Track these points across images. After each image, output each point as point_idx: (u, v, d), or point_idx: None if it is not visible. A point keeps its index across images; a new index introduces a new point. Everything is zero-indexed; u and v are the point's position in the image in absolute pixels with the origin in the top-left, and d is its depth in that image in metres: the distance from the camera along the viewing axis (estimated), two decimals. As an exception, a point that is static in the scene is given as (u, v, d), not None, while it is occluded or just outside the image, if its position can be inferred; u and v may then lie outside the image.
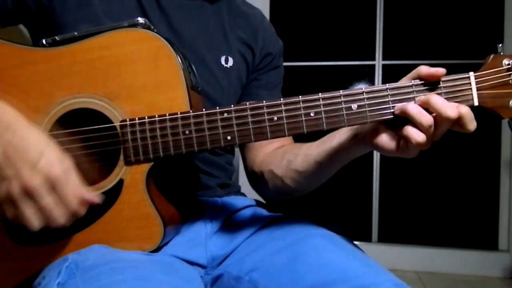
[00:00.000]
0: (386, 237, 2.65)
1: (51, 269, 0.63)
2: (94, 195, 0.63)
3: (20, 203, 0.58)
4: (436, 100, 0.60)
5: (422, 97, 0.62)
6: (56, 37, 0.69)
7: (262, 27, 0.91)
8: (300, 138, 0.89)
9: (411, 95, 0.63)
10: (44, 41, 0.70)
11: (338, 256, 0.66)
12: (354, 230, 2.68)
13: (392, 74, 2.61)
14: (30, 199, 0.58)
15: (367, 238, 2.65)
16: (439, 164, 2.57)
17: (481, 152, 2.56)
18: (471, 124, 0.60)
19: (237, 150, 1.05)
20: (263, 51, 0.90)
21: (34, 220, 0.59)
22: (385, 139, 0.65)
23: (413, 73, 0.64)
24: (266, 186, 0.85)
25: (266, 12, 2.67)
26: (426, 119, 0.60)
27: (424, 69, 0.62)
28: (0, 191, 0.59)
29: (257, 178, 0.88)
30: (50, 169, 0.59)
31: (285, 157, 0.81)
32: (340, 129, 0.71)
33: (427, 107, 0.61)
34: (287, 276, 0.65)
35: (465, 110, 0.60)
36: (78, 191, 0.61)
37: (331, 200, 2.67)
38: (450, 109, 0.59)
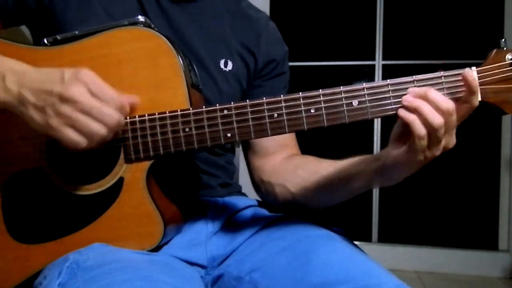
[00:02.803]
0: (386, 237, 2.65)
1: (52, 269, 0.63)
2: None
3: (73, 116, 0.60)
4: (434, 94, 0.60)
5: (417, 89, 0.61)
6: (57, 36, 0.70)
7: (266, 32, 0.89)
8: (305, 145, 0.88)
9: None
10: (45, 40, 0.70)
11: (339, 257, 0.66)
12: (354, 230, 2.68)
13: (392, 74, 2.57)
14: (78, 108, 0.60)
15: (367, 238, 2.65)
16: (439, 163, 2.56)
17: (481, 151, 2.56)
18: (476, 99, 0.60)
19: (237, 150, 1.04)
20: (266, 57, 0.88)
21: (95, 126, 0.60)
22: (396, 147, 0.64)
23: None
24: (276, 198, 0.83)
25: (266, 12, 2.67)
26: (437, 117, 0.59)
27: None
28: (51, 120, 0.60)
29: (265, 188, 0.86)
30: (77, 75, 0.60)
31: (298, 173, 0.80)
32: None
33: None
34: (287, 276, 0.65)
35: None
36: (108, 88, 0.62)
37: (331, 200, 2.67)
38: (447, 101, 0.59)
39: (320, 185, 0.75)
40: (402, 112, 0.61)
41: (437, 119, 0.59)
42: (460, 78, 0.62)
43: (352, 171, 0.71)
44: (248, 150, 0.89)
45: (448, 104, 0.59)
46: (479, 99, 0.61)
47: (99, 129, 0.60)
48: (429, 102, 0.59)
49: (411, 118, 0.60)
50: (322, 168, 0.77)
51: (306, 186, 0.77)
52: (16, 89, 0.62)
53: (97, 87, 0.61)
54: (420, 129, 0.59)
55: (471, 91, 0.60)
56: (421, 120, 0.59)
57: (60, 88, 0.60)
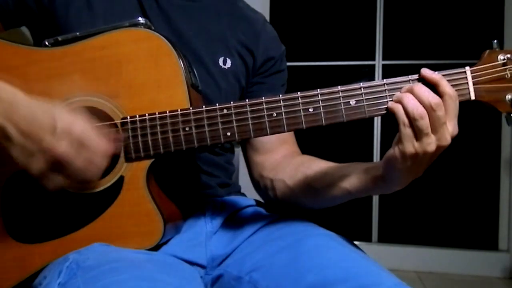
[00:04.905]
0: (386, 237, 2.65)
1: (52, 269, 0.63)
2: (113, 132, 0.64)
3: (56, 173, 0.59)
4: (418, 87, 0.61)
5: (407, 86, 0.63)
6: (58, 38, 0.70)
7: (264, 32, 0.91)
8: (306, 145, 0.89)
9: None
10: (46, 42, 0.70)
11: (338, 256, 0.66)
12: (354, 230, 2.68)
13: (392, 74, 2.57)
14: (63, 166, 0.59)
15: (367, 238, 2.65)
16: (439, 164, 2.56)
17: (481, 151, 2.56)
18: (447, 87, 0.62)
19: (237, 150, 1.05)
20: (264, 55, 0.89)
21: (74, 183, 0.61)
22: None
23: None
24: (274, 194, 0.84)
25: (266, 12, 2.67)
26: (416, 104, 0.61)
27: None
28: (34, 167, 0.59)
29: (264, 184, 0.86)
30: (70, 129, 0.59)
31: (299, 170, 0.80)
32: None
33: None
34: (287, 276, 0.65)
35: (437, 75, 0.62)
36: (101, 142, 0.62)
37: (331, 200, 2.67)
38: (431, 94, 0.61)
39: (320, 183, 0.76)
40: (389, 104, 0.63)
41: (416, 108, 0.60)
42: (454, 77, 0.63)
43: (353, 172, 0.71)
44: (247, 147, 0.90)
45: (429, 98, 0.60)
46: (451, 89, 0.62)
47: (76, 185, 0.63)
48: (413, 95, 0.61)
49: (395, 106, 0.62)
50: (323, 166, 0.77)
51: (307, 183, 0.77)
52: (0, 120, 0.57)
53: (88, 143, 0.60)
54: (402, 115, 0.61)
55: (436, 83, 0.62)
56: (403, 108, 0.61)
57: (49, 142, 0.58)
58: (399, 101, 0.62)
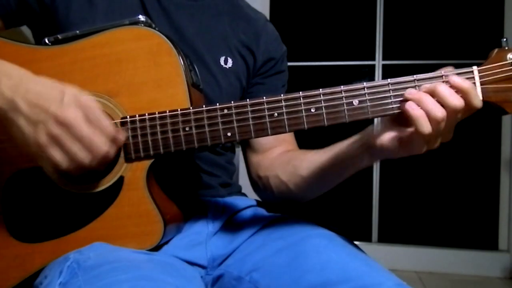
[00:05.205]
0: (386, 237, 2.65)
1: (52, 268, 0.63)
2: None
3: (63, 139, 0.59)
4: (443, 89, 0.59)
5: (428, 85, 0.61)
6: (58, 36, 0.70)
7: (265, 32, 0.91)
8: (304, 141, 0.88)
9: None
10: (46, 40, 0.70)
11: (339, 256, 0.66)
12: (354, 230, 2.68)
13: (392, 74, 2.56)
14: (70, 133, 0.59)
15: (367, 238, 2.66)
16: (439, 164, 2.57)
17: (481, 151, 2.56)
18: (476, 99, 0.60)
19: (237, 149, 1.04)
20: (265, 55, 0.89)
21: (81, 153, 0.59)
22: (387, 137, 0.63)
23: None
24: (271, 191, 0.84)
25: (266, 12, 2.67)
26: (440, 110, 0.59)
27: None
28: (40, 136, 0.59)
29: (262, 183, 0.87)
30: (78, 99, 0.60)
31: (291, 162, 0.81)
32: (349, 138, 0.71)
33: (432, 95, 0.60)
34: (287, 276, 0.65)
35: (468, 84, 0.59)
36: (108, 121, 0.62)
37: (331, 200, 2.67)
38: (457, 98, 0.59)
39: (310, 171, 0.77)
40: (408, 106, 0.60)
41: (439, 111, 0.58)
42: (463, 77, 0.61)
43: (339, 153, 0.72)
44: (246, 147, 0.90)
45: (456, 101, 0.59)
46: (480, 98, 0.60)
47: (84, 157, 0.60)
48: (436, 96, 0.59)
49: (418, 113, 0.59)
50: (310, 155, 0.79)
51: (297, 174, 0.79)
52: (9, 94, 0.60)
53: (94, 115, 0.60)
54: (424, 120, 0.59)
55: (466, 92, 0.59)
56: (426, 111, 0.59)
57: (56, 109, 0.59)
58: (419, 103, 0.59)
